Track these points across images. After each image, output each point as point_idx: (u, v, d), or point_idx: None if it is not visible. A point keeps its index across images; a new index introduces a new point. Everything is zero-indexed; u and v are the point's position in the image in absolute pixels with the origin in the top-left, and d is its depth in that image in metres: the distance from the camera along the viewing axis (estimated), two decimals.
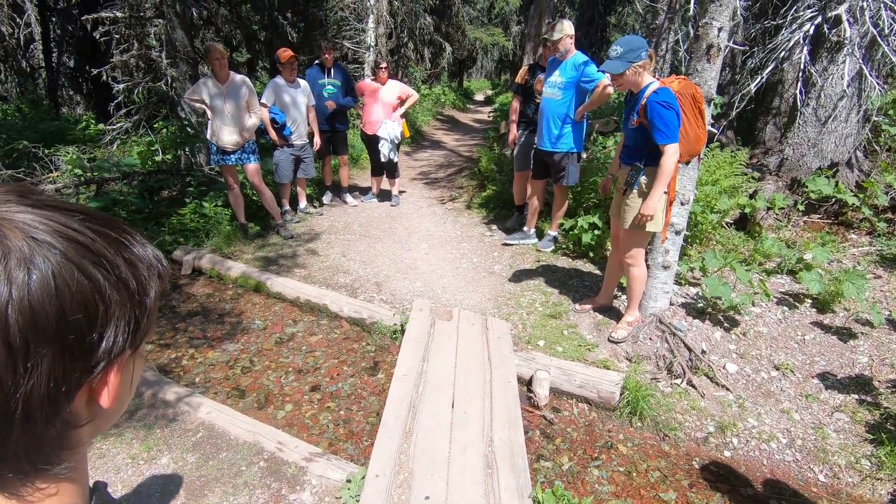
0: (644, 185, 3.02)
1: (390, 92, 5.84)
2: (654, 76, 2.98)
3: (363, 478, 2.25)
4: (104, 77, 6.68)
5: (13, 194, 0.39)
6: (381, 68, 5.78)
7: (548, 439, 2.84)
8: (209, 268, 4.56)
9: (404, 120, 6.03)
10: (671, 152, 2.84)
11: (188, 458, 2.47)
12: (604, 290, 3.78)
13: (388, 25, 11.34)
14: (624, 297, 3.92)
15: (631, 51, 2.82)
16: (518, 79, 5.10)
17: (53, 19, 10.29)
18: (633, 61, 2.84)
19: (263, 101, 5.05)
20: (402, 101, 5.93)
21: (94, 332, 0.39)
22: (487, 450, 2.42)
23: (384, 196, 6.53)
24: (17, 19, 10.70)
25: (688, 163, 3.18)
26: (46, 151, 5.55)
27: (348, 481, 2.29)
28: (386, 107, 5.82)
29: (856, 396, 2.96)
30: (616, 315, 3.74)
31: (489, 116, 15.70)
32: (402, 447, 2.42)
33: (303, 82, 5.31)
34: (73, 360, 0.39)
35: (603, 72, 3.05)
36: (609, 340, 3.44)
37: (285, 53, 5.07)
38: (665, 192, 3.00)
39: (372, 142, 5.98)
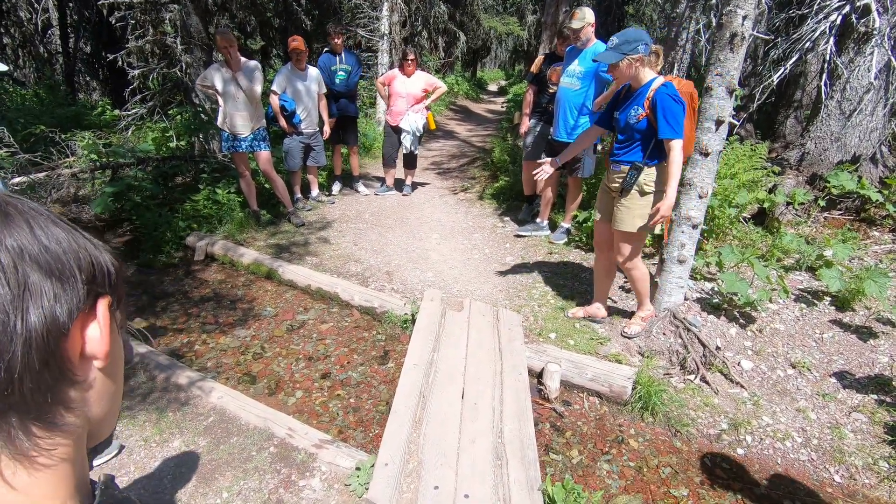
0: (645, 185, 2.88)
1: (416, 83, 5.77)
2: (659, 73, 2.86)
3: (372, 466, 2.26)
4: (120, 63, 6.70)
5: None
6: (409, 60, 5.69)
7: (558, 432, 2.82)
8: (222, 254, 4.58)
9: (430, 112, 5.96)
10: (678, 148, 2.72)
11: (200, 442, 2.49)
12: (595, 297, 3.57)
13: (403, 13, 11.23)
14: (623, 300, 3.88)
15: (626, 42, 2.72)
16: (533, 68, 5.03)
17: (70, 4, 10.34)
18: (627, 53, 2.72)
19: (274, 88, 5.04)
20: (427, 93, 5.87)
21: (81, 268, 0.44)
22: (497, 441, 2.41)
23: (397, 186, 6.50)
24: (36, 4, 10.78)
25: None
26: (63, 136, 5.60)
27: (357, 469, 2.29)
28: (410, 98, 5.77)
29: (875, 397, 2.90)
30: (622, 312, 3.69)
31: (502, 107, 15.56)
32: (412, 436, 2.41)
33: (314, 70, 5.28)
34: (66, 287, 0.42)
35: (597, 62, 2.92)
36: (622, 335, 3.39)
37: (292, 44, 5.04)
38: (661, 192, 2.86)
39: (396, 132, 5.95)
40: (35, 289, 0.40)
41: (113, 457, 2.36)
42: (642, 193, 2.92)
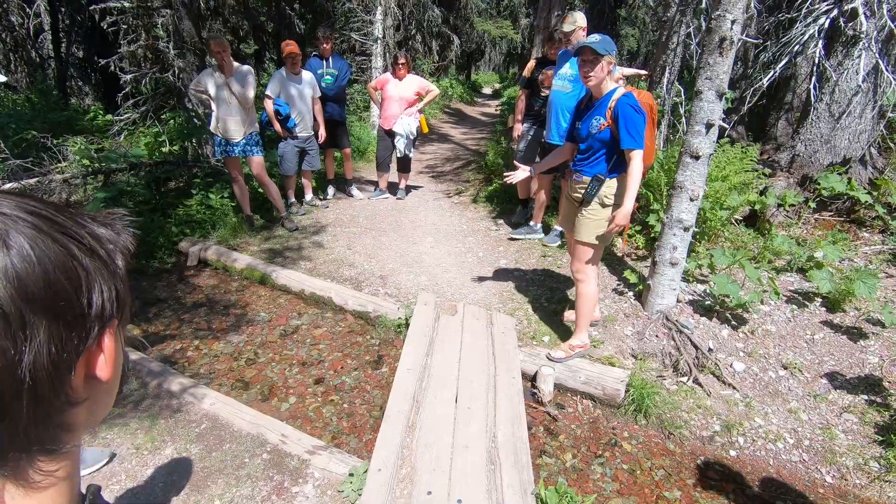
0: (605, 198, 2.84)
1: (408, 87, 5.78)
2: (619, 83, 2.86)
3: (366, 471, 2.25)
4: (112, 67, 6.68)
5: None
6: (400, 64, 5.71)
7: (551, 436, 2.82)
8: (215, 259, 4.57)
9: (422, 115, 5.97)
10: (639, 158, 2.71)
11: (192, 450, 2.48)
12: None
13: (396, 17, 11.25)
14: (617, 302, 3.89)
15: (606, 42, 2.71)
16: (525, 73, 5.05)
17: (62, 9, 10.30)
18: (610, 52, 2.71)
19: (268, 92, 5.03)
20: (420, 97, 5.88)
21: (82, 297, 0.41)
22: (491, 445, 2.41)
23: (391, 190, 6.51)
24: (28, 9, 10.73)
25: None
26: (55, 141, 5.57)
27: (351, 475, 2.29)
28: (403, 102, 5.78)
29: (865, 397, 2.92)
30: (615, 318, 3.71)
31: (497, 110, 15.59)
32: (405, 441, 2.41)
33: (308, 74, 5.28)
34: (67, 326, 0.40)
35: (586, 44, 2.84)
36: (547, 358, 3.19)
37: (286, 48, 5.04)
38: (613, 204, 2.85)
39: (390, 136, 5.95)
40: (39, 335, 0.38)
41: (104, 465, 2.35)
42: (602, 206, 2.86)
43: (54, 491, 0.43)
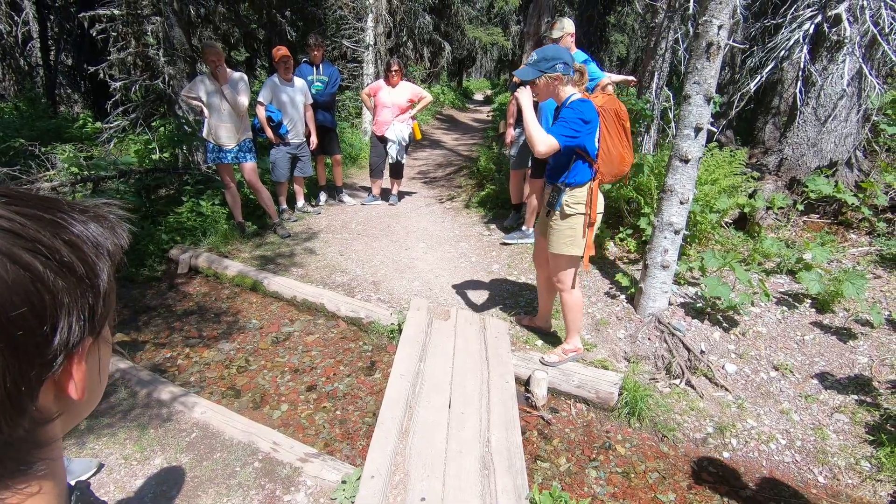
0: (566, 206, 2.83)
1: (401, 94, 5.80)
2: (581, 91, 2.82)
3: (358, 479, 2.23)
4: (101, 75, 6.65)
5: None
6: (393, 70, 5.73)
7: (545, 440, 2.82)
8: (206, 266, 4.53)
9: (415, 122, 5.98)
10: (548, 141, 2.65)
11: (182, 459, 2.44)
12: (539, 311, 3.54)
13: (388, 24, 11.29)
14: (609, 305, 3.90)
15: (544, 59, 2.71)
16: (515, 79, 5.08)
17: (51, 17, 10.24)
18: (545, 71, 2.70)
19: (260, 99, 5.03)
20: (413, 104, 5.90)
21: (45, 324, 0.36)
22: (484, 450, 2.40)
23: (384, 196, 6.51)
24: (15, 17, 10.66)
25: (611, 184, 2.96)
26: (43, 149, 5.52)
27: (343, 482, 2.26)
28: (396, 108, 5.80)
29: (855, 397, 2.94)
30: (607, 322, 3.72)
31: (488, 116, 15.67)
32: (399, 447, 2.39)
33: (300, 81, 5.28)
34: (27, 356, 0.36)
35: (516, 75, 2.86)
36: (541, 362, 3.19)
37: (278, 52, 5.04)
38: (585, 214, 2.82)
39: (382, 142, 5.96)
40: None
41: (91, 475, 2.31)
42: (563, 216, 2.85)
43: (32, 502, 0.41)
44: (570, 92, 2.77)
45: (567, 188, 2.82)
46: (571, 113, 2.68)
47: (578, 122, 2.66)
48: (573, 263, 2.97)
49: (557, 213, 2.87)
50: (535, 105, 2.97)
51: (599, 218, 2.91)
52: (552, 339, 3.47)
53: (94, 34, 6.61)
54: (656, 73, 5.30)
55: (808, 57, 4.76)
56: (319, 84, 5.62)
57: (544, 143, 2.66)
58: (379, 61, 10.07)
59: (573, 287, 3.03)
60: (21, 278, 0.35)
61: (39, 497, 0.42)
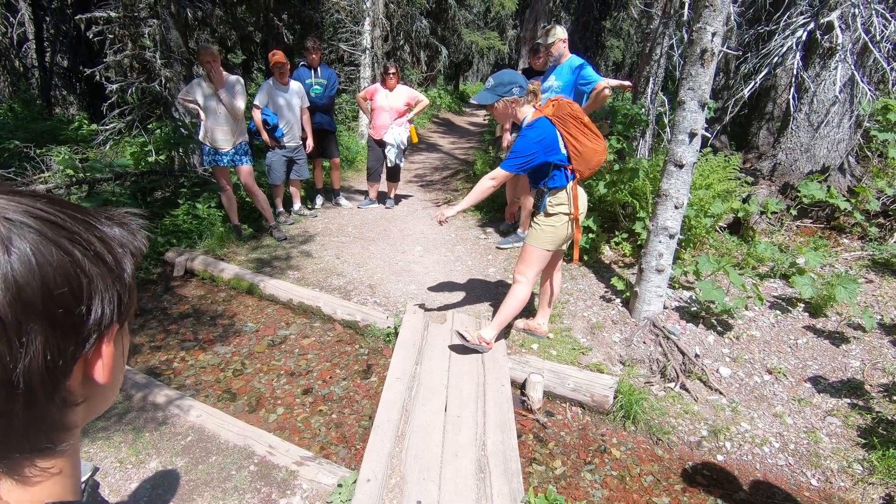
0: (549, 207, 2.98)
1: (398, 97, 5.82)
2: (535, 107, 2.97)
3: (354, 482, 2.23)
4: (98, 77, 6.64)
5: None
6: (390, 74, 5.75)
7: (541, 443, 2.82)
8: (202, 269, 4.52)
9: (412, 125, 6.00)
10: (497, 175, 2.91)
11: (177, 462, 2.44)
12: (536, 315, 3.57)
13: (384, 28, 11.34)
14: (605, 309, 3.92)
15: (501, 84, 2.86)
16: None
17: (47, 19, 10.22)
18: (502, 95, 2.86)
19: (256, 102, 5.04)
20: (410, 107, 5.92)
21: (82, 304, 0.41)
22: (480, 454, 2.41)
23: (380, 199, 6.52)
24: (11, 18, 10.63)
25: (586, 180, 3.12)
26: (38, 151, 5.50)
27: (339, 485, 2.26)
28: (393, 112, 5.81)
29: (848, 400, 2.97)
30: (602, 325, 3.74)
31: (485, 119, 15.71)
32: (395, 451, 2.40)
33: (296, 84, 5.29)
34: (65, 333, 0.40)
35: (475, 100, 3.02)
36: (457, 332, 3.19)
37: (273, 58, 5.05)
38: (569, 213, 2.96)
39: (380, 146, 5.97)
40: (35, 341, 0.38)
41: (86, 479, 2.29)
42: (547, 215, 3.00)
43: (50, 484, 0.44)
44: (527, 112, 2.95)
45: (548, 191, 2.98)
46: (521, 142, 2.85)
47: (530, 146, 2.83)
48: (542, 260, 3.09)
49: (542, 213, 3.03)
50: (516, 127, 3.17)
51: (582, 215, 3.07)
52: (548, 343, 3.48)
53: (90, 36, 6.60)
54: (651, 79, 5.34)
55: (801, 63, 4.82)
56: (318, 87, 5.63)
57: (491, 178, 2.92)
58: (376, 65, 10.10)
59: (530, 285, 3.13)
60: (64, 263, 0.39)
61: (60, 478, 0.45)
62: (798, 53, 4.77)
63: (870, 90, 4.54)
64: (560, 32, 4.23)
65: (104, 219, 0.45)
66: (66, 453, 0.45)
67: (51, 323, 0.39)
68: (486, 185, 2.95)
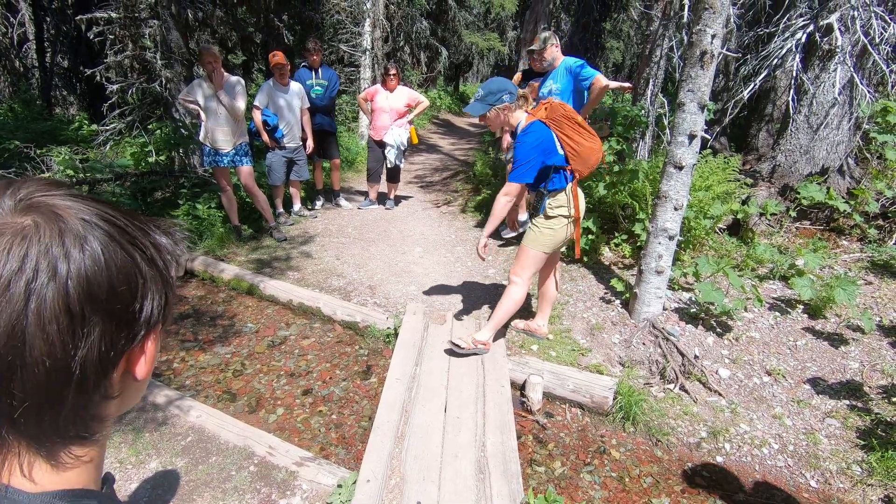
0: (549, 209, 3.00)
1: (398, 98, 5.83)
2: (528, 111, 2.98)
3: (354, 482, 2.24)
4: (98, 77, 6.64)
5: (51, 185, 0.44)
6: (391, 75, 5.75)
7: (540, 444, 2.83)
8: (202, 270, 4.53)
9: (412, 126, 6.01)
10: (510, 191, 2.91)
11: (177, 463, 2.44)
12: (536, 315, 3.59)
13: (385, 29, 11.35)
14: (604, 310, 3.93)
15: (490, 94, 2.88)
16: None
17: (47, 19, 10.22)
18: (493, 104, 2.87)
19: (256, 103, 5.04)
20: (410, 108, 5.92)
21: (136, 302, 0.45)
22: (480, 455, 2.41)
23: (380, 200, 6.52)
24: (11, 19, 10.64)
25: (585, 180, 3.11)
26: (38, 152, 5.51)
27: (339, 486, 2.27)
28: (393, 113, 5.82)
29: (847, 402, 2.97)
30: (604, 324, 3.74)
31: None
32: (395, 452, 2.40)
33: (296, 85, 5.30)
34: (119, 327, 0.43)
35: (467, 111, 3.04)
36: (450, 342, 3.20)
37: (274, 59, 5.05)
38: (569, 215, 2.98)
39: (380, 147, 5.98)
40: (94, 333, 0.41)
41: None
42: (546, 217, 3.01)
43: (80, 471, 0.47)
44: (520, 117, 2.96)
45: (548, 193, 2.99)
46: (520, 149, 2.86)
47: (529, 151, 2.84)
48: (539, 262, 3.10)
49: (542, 215, 3.04)
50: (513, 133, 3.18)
51: (582, 213, 3.10)
52: (548, 344, 3.49)
53: (90, 37, 6.61)
54: (651, 80, 5.35)
55: (800, 65, 4.83)
56: (319, 88, 5.64)
57: (505, 194, 2.92)
58: (376, 66, 10.11)
59: (526, 286, 3.14)
60: (126, 263, 0.44)
61: (90, 466, 0.48)
62: (797, 55, 4.78)
63: (869, 92, 4.55)
64: (551, 37, 4.28)
65: (154, 226, 0.50)
66: (99, 443, 0.48)
67: (110, 317, 0.42)
68: (502, 202, 2.94)
